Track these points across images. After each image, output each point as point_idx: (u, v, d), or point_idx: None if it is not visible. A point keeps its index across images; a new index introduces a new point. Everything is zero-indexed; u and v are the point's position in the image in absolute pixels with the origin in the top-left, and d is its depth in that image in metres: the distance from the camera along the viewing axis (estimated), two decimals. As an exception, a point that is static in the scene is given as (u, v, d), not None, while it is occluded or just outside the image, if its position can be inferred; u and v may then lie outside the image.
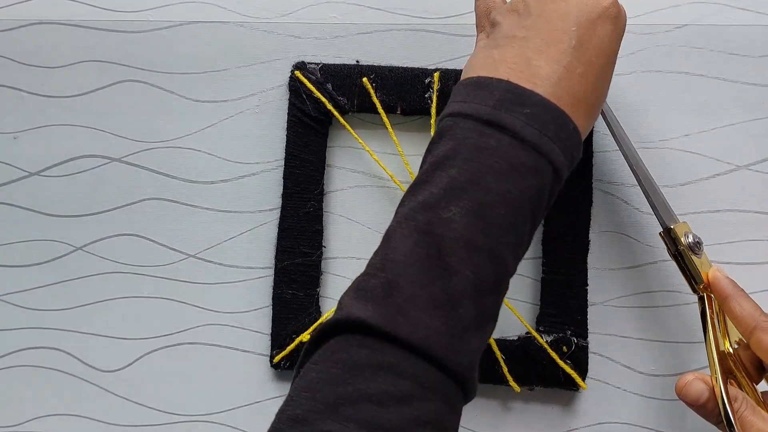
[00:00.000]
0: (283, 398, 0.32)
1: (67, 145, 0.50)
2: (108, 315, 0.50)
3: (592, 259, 0.48)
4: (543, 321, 0.47)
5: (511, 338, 0.48)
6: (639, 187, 0.44)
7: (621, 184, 0.49)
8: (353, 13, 0.50)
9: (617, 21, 0.38)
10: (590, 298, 0.48)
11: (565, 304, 0.47)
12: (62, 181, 0.50)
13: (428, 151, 0.37)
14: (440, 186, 0.34)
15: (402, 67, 0.49)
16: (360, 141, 0.49)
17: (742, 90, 0.49)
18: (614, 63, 0.39)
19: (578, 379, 0.46)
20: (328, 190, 0.50)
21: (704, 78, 0.49)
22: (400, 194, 0.48)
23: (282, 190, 0.49)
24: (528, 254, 0.48)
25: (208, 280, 0.49)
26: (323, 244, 0.49)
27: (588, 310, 0.48)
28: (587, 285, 0.47)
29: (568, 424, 0.48)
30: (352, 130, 0.49)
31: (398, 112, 0.48)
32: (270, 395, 0.49)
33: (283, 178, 0.48)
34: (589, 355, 0.48)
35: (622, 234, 0.49)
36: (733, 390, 0.39)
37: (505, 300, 0.47)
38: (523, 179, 0.34)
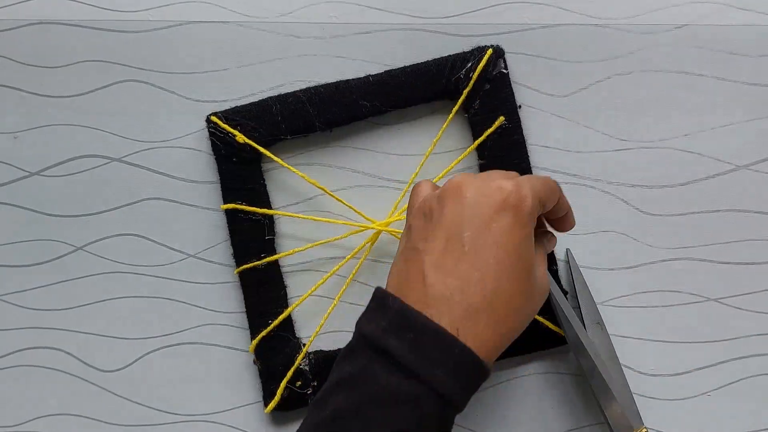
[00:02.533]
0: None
1: (67, 145, 0.50)
2: (108, 315, 0.50)
3: (592, 259, 0.48)
4: None
5: None
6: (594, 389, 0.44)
7: (621, 184, 0.49)
8: (353, 13, 0.50)
9: (518, 211, 0.36)
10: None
11: None
12: (62, 181, 0.50)
13: (336, 363, 0.37)
14: (329, 412, 0.35)
15: (306, 90, 0.48)
16: (288, 167, 0.48)
17: (742, 90, 0.49)
18: (525, 253, 0.36)
19: (557, 329, 0.46)
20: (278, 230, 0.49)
21: (704, 78, 0.49)
22: (344, 212, 0.48)
23: (232, 251, 0.49)
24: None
25: (208, 280, 0.49)
26: (288, 298, 0.49)
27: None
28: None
29: (568, 423, 0.48)
30: (277, 159, 0.48)
31: (328, 130, 0.49)
32: (270, 395, 0.49)
33: (230, 239, 0.48)
34: (589, 355, 0.48)
35: (622, 234, 0.49)
36: None
37: None
38: (403, 409, 0.34)
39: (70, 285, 0.50)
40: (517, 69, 0.49)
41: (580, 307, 0.47)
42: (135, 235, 0.50)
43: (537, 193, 0.37)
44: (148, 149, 0.50)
